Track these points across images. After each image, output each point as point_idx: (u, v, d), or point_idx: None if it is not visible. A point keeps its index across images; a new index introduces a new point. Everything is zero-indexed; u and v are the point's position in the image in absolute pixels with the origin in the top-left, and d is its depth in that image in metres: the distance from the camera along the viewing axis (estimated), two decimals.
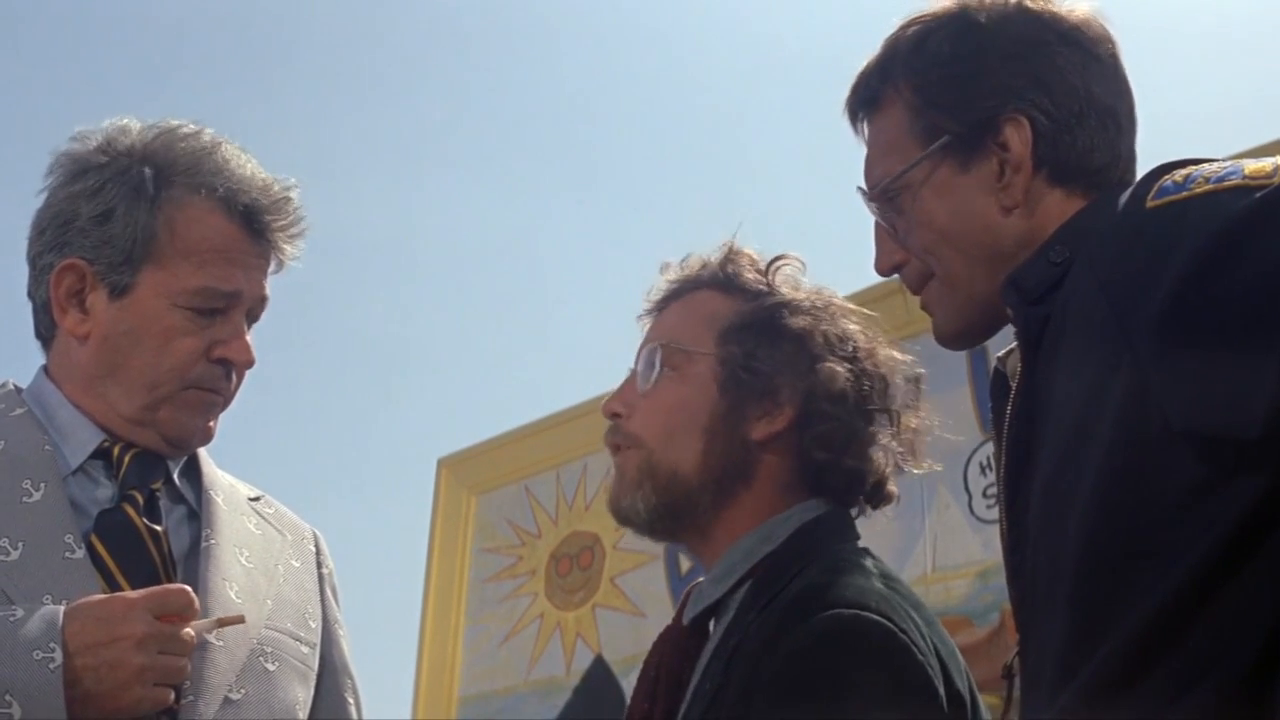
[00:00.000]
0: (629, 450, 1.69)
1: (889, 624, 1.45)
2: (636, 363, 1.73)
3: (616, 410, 1.72)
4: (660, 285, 1.79)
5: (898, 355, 1.71)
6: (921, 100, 1.39)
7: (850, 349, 1.68)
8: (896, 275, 1.46)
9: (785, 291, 1.72)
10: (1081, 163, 1.35)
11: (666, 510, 1.65)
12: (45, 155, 1.71)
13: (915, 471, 1.74)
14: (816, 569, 1.55)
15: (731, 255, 1.76)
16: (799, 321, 1.68)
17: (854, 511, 1.71)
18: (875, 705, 1.41)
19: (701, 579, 1.69)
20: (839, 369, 1.65)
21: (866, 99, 1.46)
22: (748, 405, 1.65)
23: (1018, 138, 1.35)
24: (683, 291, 1.76)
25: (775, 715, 1.43)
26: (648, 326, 1.78)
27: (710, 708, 1.51)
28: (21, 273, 1.73)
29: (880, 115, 1.44)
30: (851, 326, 1.71)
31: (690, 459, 1.64)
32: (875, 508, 1.73)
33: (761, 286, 1.72)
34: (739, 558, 1.62)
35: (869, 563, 1.58)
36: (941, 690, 1.44)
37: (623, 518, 1.70)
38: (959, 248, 1.37)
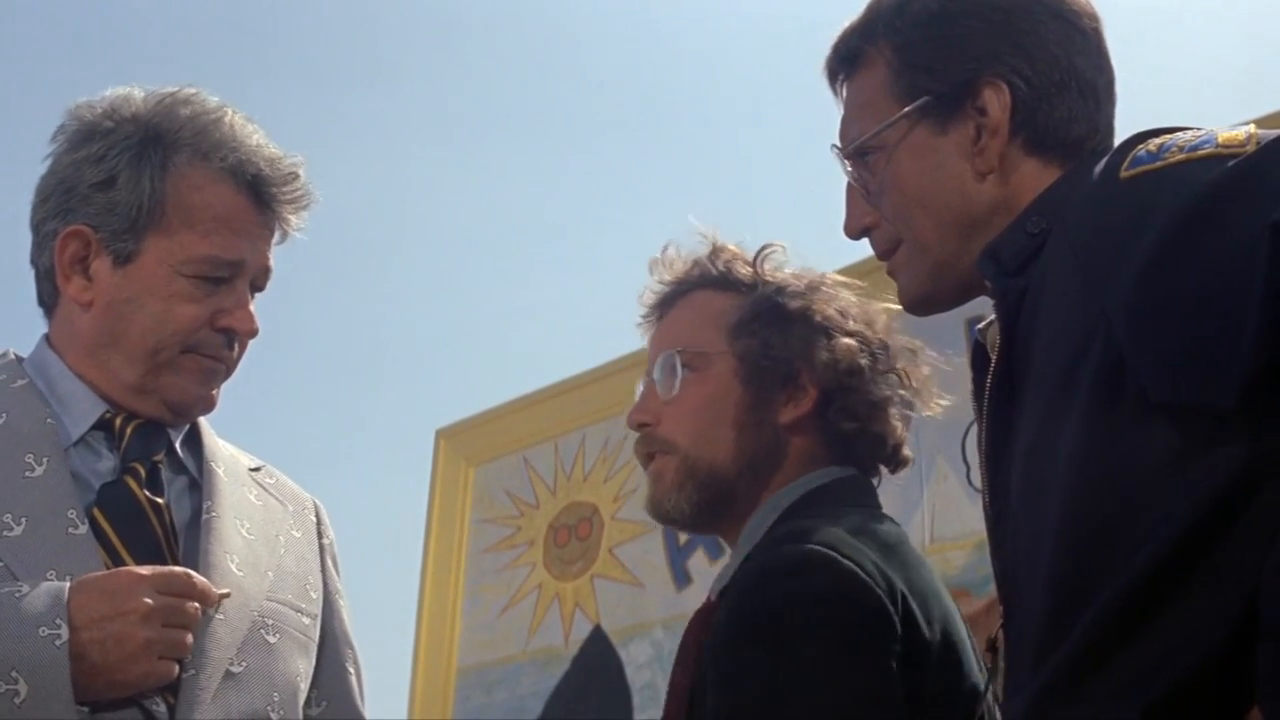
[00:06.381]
0: (664, 456, 1.74)
1: (832, 553, 1.47)
2: (652, 372, 1.77)
3: (644, 420, 1.76)
4: (653, 287, 1.84)
5: (892, 308, 1.71)
6: (902, 61, 1.40)
7: (852, 322, 1.74)
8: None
9: (778, 278, 1.77)
10: (1059, 133, 1.36)
11: (708, 505, 1.71)
12: (43, 126, 1.70)
13: (928, 414, 1.79)
14: (792, 524, 1.58)
15: (718, 252, 1.81)
16: (800, 304, 1.74)
17: (875, 481, 1.76)
18: (812, 628, 1.43)
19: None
20: (849, 342, 1.71)
21: (847, 58, 1.46)
22: (772, 393, 1.71)
23: (996, 102, 1.35)
24: (680, 294, 1.81)
25: (721, 661, 1.47)
26: (651, 332, 1.83)
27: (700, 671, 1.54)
28: (17, 243, 1.72)
29: (860, 75, 1.45)
30: (847, 299, 1.77)
31: (725, 453, 1.70)
32: (894, 471, 1.78)
33: (754, 278, 1.77)
34: (752, 531, 1.67)
35: (855, 516, 1.59)
36: (895, 614, 1.45)
37: (666, 518, 1.75)
38: (930, 211, 1.38)
